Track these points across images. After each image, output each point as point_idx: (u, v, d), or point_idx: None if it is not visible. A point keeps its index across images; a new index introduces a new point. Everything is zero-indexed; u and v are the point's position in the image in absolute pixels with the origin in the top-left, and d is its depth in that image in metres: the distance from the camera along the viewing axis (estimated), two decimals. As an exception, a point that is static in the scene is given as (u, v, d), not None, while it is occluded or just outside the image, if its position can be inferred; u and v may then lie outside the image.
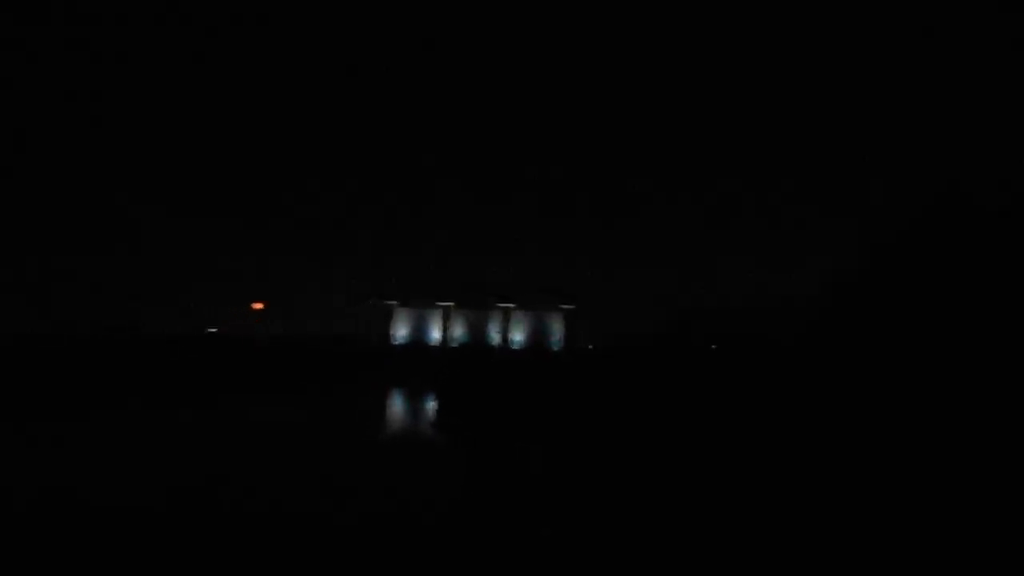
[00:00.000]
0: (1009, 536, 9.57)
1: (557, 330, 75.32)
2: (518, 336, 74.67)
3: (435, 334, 76.07)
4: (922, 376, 13.43)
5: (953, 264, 15.12)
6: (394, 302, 77.83)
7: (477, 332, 73.68)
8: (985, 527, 9.86)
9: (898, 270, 16.19)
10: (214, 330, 73.69)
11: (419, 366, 55.86)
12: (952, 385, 12.85)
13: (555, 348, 71.39)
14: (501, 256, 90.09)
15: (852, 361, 14.97)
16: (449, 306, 76.46)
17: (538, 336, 74.03)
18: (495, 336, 74.70)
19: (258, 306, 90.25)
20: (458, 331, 74.69)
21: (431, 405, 29.62)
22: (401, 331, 77.04)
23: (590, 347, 72.93)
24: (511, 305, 75.48)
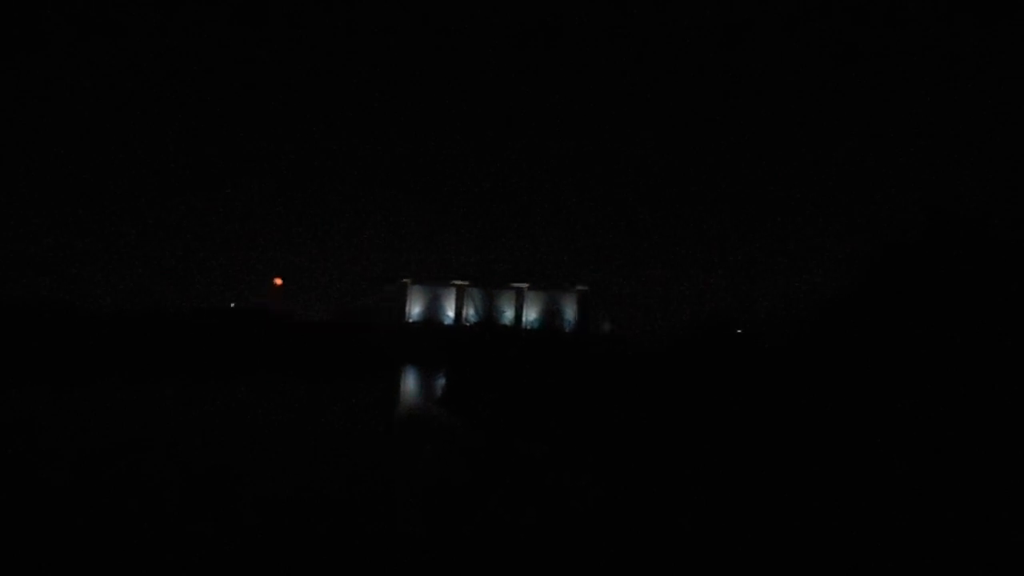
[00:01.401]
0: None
1: (571, 311, 75.01)
2: (532, 316, 74.51)
3: (449, 312, 76.08)
4: (910, 385, 13.39)
5: (945, 282, 15.13)
6: (408, 280, 77.83)
7: (491, 311, 73.58)
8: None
9: (890, 287, 16.27)
10: (232, 304, 74.32)
11: (433, 344, 55.90)
12: (941, 397, 12.80)
13: (568, 329, 71.18)
14: (519, 241, 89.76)
15: (842, 372, 15.00)
16: (464, 284, 76.33)
17: (552, 316, 73.80)
18: (509, 315, 74.59)
19: (278, 282, 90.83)
20: (472, 310, 74.64)
21: (442, 385, 29.57)
22: (416, 309, 77.09)
23: (607, 328, 72.66)
24: (525, 285, 75.23)
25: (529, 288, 75.96)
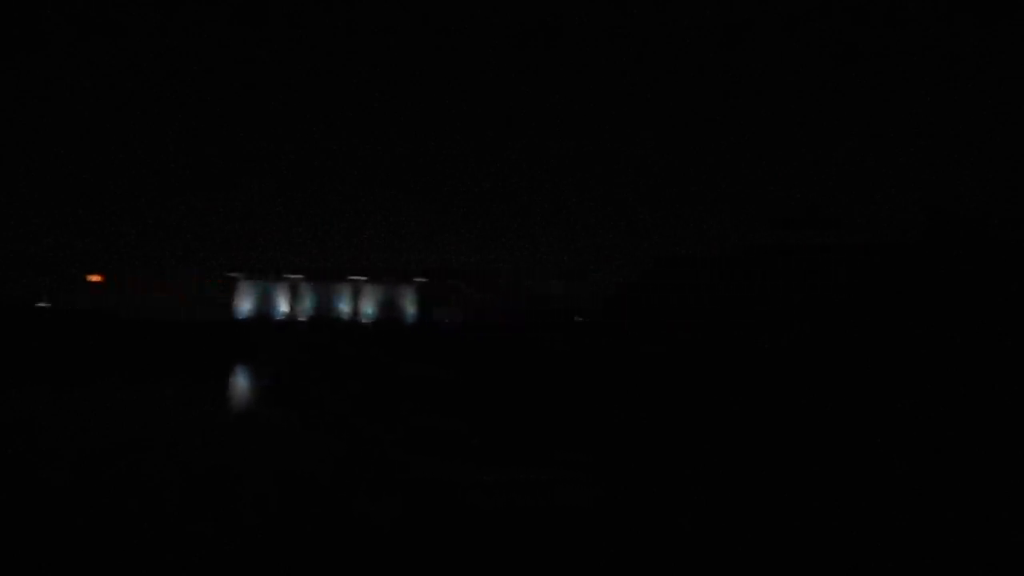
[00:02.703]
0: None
1: (410, 303, 75.06)
2: (369, 309, 73.77)
3: (282, 308, 73.69)
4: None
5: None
6: (238, 275, 74.55)
7: (326, 305, 72.07)
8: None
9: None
10: (44, 304, 67.83)
11: (264, 341, 53.98)
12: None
13: (408, 321, 71.30)
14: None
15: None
16: (297, 279, 74.16)
17: (390, 309, 73.45)
18: (345, 309, 73.47)
19: (95, 279, 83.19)
20: (306, 304, 72.72)
21: (277, 382, 28.87)
22: (245, 305, 73.97)
23: (446, 321, 73.21)
24: (362, 278, 74.34)
25: (367, 281, 75.13)
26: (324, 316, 70.54)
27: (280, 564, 7.96)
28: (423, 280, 76.24)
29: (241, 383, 32.03)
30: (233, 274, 75.39)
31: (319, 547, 8.61)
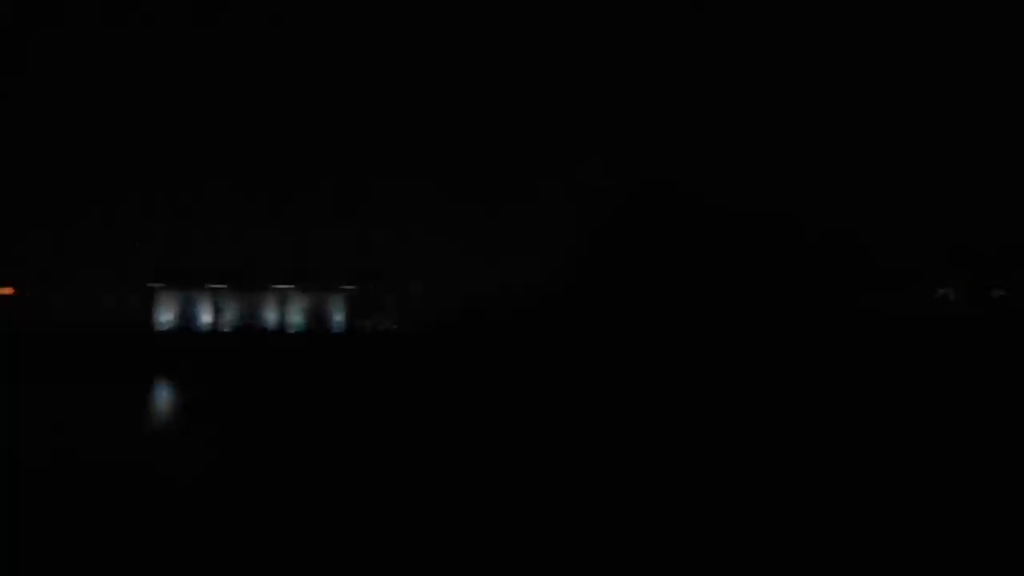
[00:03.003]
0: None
1: (339, 312, 73.86)
2: (296, 319, 72.27)
3: (205, 319, 71.44)
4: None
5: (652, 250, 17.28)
6: (159, 284, 71.97)
7: (251, 316, 70.24)
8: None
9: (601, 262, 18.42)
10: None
11: (186, 353, 52.30)
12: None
13: (336, 331, 70.12)
14: (280, 235, 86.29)
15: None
16: (221, 288, 72.06)
17: (318, 319, 72.15)
18: (271, 319, 71.81)
19: (5, 291, 79.11)
20: (230, 315, 70.71)
21: (194, 395, 27.99)
22: (166, 316, 71.41)
23: (379, 328, 72.18)
24: (289, 287, 72.81)
25: (294, 290, 73.64)
26: (249, 326, 68.76)
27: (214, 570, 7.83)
28: (352, 287, 75.11)
29: (163, 397, 30.94)
30: (153, 284, 72.71)
31: (253, 555, 8.44)
